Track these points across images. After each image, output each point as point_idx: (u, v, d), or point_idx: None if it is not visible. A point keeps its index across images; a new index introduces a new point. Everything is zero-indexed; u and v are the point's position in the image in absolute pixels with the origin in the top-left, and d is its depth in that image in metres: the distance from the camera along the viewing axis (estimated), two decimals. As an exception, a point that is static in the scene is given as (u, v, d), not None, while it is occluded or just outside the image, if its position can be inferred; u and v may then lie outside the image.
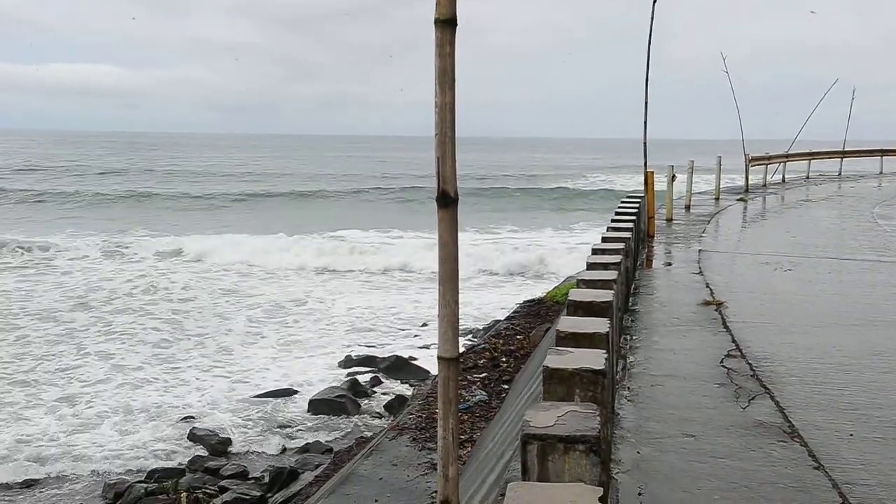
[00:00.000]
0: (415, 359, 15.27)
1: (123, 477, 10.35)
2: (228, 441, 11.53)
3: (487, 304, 19.94)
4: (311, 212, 43.91)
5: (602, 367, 3.61)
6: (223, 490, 9.68)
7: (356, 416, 12.60)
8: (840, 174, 31.85)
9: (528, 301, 13.94)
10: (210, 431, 11.74)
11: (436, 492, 7.02)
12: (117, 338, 17.21)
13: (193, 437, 11.58)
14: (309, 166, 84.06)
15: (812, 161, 30.46)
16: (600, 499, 2.52)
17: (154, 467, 10.61)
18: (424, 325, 18.56)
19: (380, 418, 12.44)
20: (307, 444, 11.46)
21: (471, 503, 5.32)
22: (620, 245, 7.25)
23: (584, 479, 2.85)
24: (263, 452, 11.32)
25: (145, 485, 9.91)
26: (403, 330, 18.40)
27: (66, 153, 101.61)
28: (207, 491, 9.63)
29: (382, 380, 14.17)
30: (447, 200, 1.60)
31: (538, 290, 18.25)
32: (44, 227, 36.23)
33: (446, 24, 1.62)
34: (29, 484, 10.26)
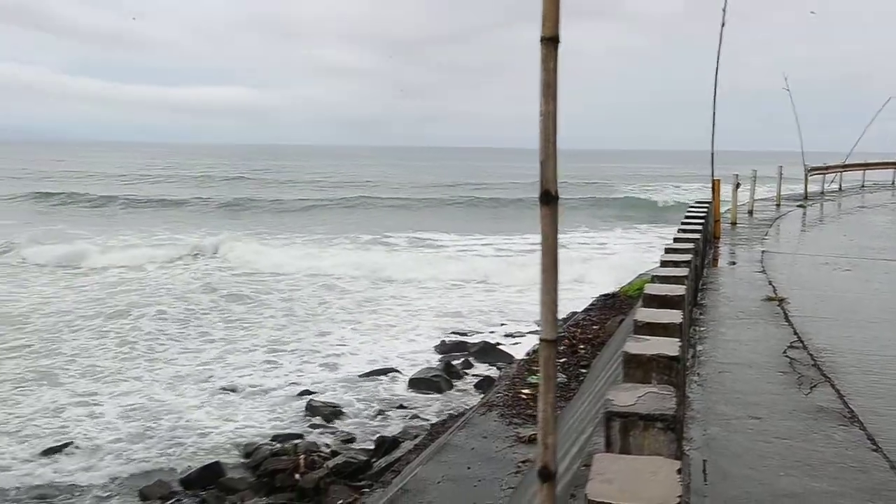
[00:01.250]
0: (501, 345, 15.22)
1: (253, 439, 10.67)
2: (340, 412, 11.75)
3: (565, 297, 19.72)
4: (404, 215, 44.08)
5: (677, 353, 3.55)
6: (335, 454, 9.87)
7: (449, 394, 12.67)
8: (893, 183, 30.40)
9: (604, 295, 13.74)
10: (324, 403, 11.99)
11: (522, 461, 7.01)
12: (238, 324, 17.62)
13: (310, 408, 11.84)
14: (410, 175, 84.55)
15: (867, 171, 29.18)
16: (678, 471, 2.48)
17: (278, 433, 10.89)
18: (505, 312, 18.53)
19: (470, 396, 12.47)
20: (407, 416, 11.57)
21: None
22: (690, 245, 7.09)
23: (661, 454, 2.81)
24: (369, 423, 11.48)
25: (271, 446, 10.19)
26: (489, 320, 18.37)
27: (208, 162, 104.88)
28: (321, 454, 9.83)
29: (472, 363, 14.18)
30: (549, 198, 1.61)
31: (610, 286, 17.96)
32: (183, 227, 37.58)
33: (551, 41, 1.62)
34: (174, 442, 10.63)
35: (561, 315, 16.06)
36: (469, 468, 6.92)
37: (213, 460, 9.80)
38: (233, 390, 12.90)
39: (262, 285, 22.20)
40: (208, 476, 9.40)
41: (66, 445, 10.35)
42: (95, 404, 12.04)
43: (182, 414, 11.70)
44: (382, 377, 13.57)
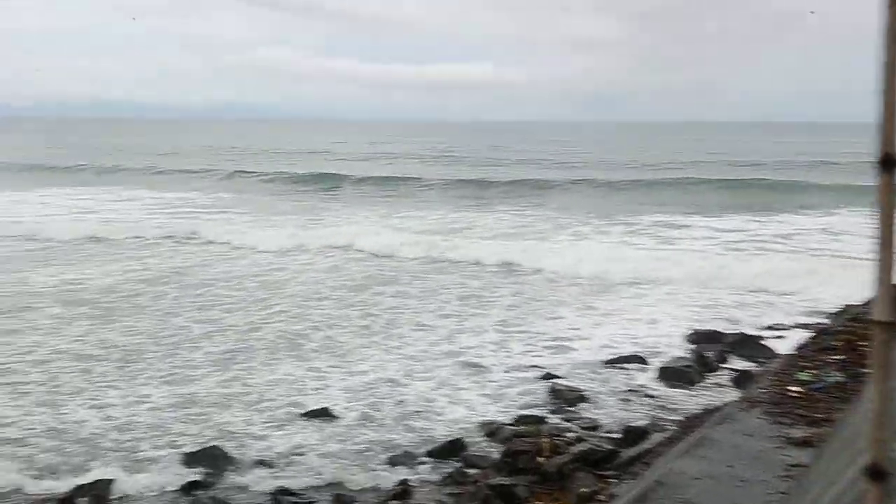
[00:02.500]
0: (761, 338, 14.39)
1: (495, 419, 10.99)
2: (584, 398, 11.75)
3: (829, 290, 18.07)
4: (648, 195, 42.50)
5: None
6: (579, 440, 9.87)
7: (702, 387, 12.22)
8: None
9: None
10: (568, 388, 12.06)
11: (792, 465, 6.58)
12: (472, 304, 18.06)
13: (554, 391, 11.96)
14: (658, 152, 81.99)
15: None
16: None
17: (520, 414, 11.12)
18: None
19: (726, 390, 11.94)
20: (655, 406, 11.33)
21: (837, 481, 4.91)
22: None
23: None
24: (614, 411, 11.37)
25: (513, 428, 10.44)
26: (743, 309, 17.42)
27: (449, 140, 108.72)
28: (565, 439, 9.88)
29: (727, 355, 13.56)
30: (889, 163, 1.44)
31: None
32: (425, 206, 39.39)
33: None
34: (418, 417, 11.22)
35: (834, 308, 14.91)
36: (731, 466, 6.63)
37: (457, 437, 10.22)
38: (474, 368, 13.33)
39: (494, 265, 22.58)
40: (452, 451, 9.83)
41: (317, 413, 11.20)
42: (341, 379, 12.78)
43: (424, 390, 12.26)
44: (628, 365, 13.38)
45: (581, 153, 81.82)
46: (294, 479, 9.15)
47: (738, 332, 14.79)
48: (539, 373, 13.06)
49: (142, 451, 9.91)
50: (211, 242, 26.60)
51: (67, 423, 10.78)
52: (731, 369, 12.92)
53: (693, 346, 14.23)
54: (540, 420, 10.81)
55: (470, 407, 11.62)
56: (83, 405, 11.45)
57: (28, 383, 12.38)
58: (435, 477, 9.31)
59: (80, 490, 8.82)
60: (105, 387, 12.24)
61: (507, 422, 10.80)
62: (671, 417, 10.72)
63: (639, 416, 10.95)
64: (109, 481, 8.95)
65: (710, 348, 13.84)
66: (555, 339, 15.07)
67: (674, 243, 26.84)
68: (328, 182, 51.38)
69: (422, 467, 9.57)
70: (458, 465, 9.57)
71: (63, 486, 8.94)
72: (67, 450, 9.96)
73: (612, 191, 45.63)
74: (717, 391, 11.97)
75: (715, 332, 14.92)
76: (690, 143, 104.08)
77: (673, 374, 12.47)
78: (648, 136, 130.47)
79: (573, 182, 48.60)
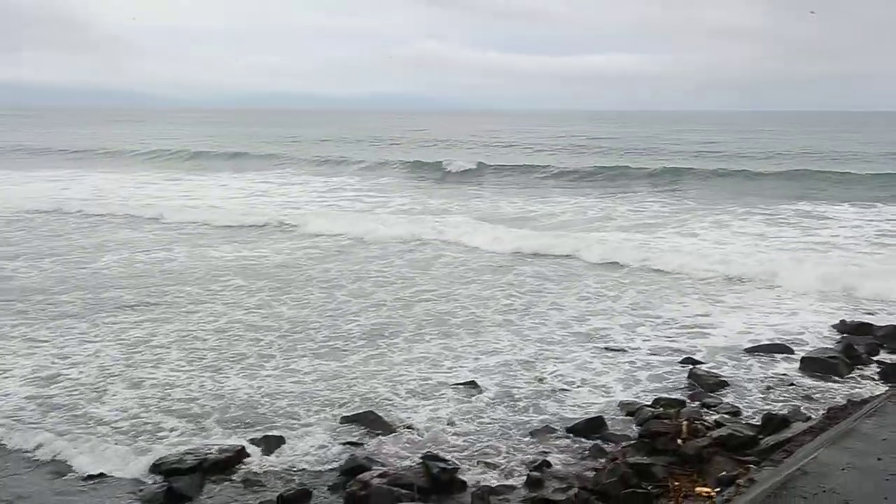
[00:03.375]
0: (916, 330, 13.43)
1: (635, 399, 10.87)
2: (724, 383, 11.41)
3: None
4: (790, 186, 39.97)
5: None
6: (718, 425, 9.59)
7: (849, 378, 11.57)
8: None
9: None
10: (708, 373, 11.73)
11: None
12: (609, 287, 17.83)
13: (693, 375, 11.69)
14: (800, 141, 77.33)
15: None
16: None
17: (659, 396, 10.93)
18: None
19: (874, 383, 11.27)
20: (797, 396, 10.84)
21: None
22: None
23: None
24: (754, 398, 10.99)
25: (652, 409, 10.28)
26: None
27: (585, 130, 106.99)
28: (704, 423, 9.63)
29: (879, 348, 12.73)
30: None
31: None
32: (565, 194, 38.91)
33: None
34: (558, 394, 11.23)
35: None
36: (879, 459, 6.31)
37: (597, 414, 10.16)
38: (610, 350, 13.15)
39: (629, 253, 21.87)
40: (593, 428, 9.80)
41: (462, 385, 11.40)
42: (475, 359, 12.79)
43: (561, 371, 12.21)
44: (769, 353, 12.86)
45: (725, 142, 78.27)
46: (440, 447, 9.39)
47: (891, 324, 13.83)
48: (677, 357, 12.77)
49: (298, 417, 10.38)
50: (369, 225, 27.33)
51: (228, 389, 11.37)
52: (882, 362, 12.14)
53: (840, 337, 13.47)
54: (679, 403, 10.58)
55: (606, 388, 11.53)
56: (239, 374, 11.99)
57: (203, 349, 13.18)
58: (574, 452, 9.31)
59: (252, 444, 9.42)
60: (267, 356, 12.85)
61: (646, 403, 10.64)
62: (815, 407, 10.24)
63: (780, 405, 10.53)
64: (278, 437, 9.52)
65: (859, 340, 13.05)
66: (691, 326, 14.68)
67: (818, 234, 25.34)
68: (475, 171, 51.52)
69: (561, 442, 9.60)
70: (596, 442, 9.51)
71: (232, 441, 9.49)
72: (231, 412, 10.55)
73: (756, 180, 43.36)
74: (865, 384, 11.31)
75: (865, 323, 14.05)
76: (843, 133, 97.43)
77: (818, 365, 11.87)
78: (797, 126, 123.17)
79: (714, 171, 46.55)
